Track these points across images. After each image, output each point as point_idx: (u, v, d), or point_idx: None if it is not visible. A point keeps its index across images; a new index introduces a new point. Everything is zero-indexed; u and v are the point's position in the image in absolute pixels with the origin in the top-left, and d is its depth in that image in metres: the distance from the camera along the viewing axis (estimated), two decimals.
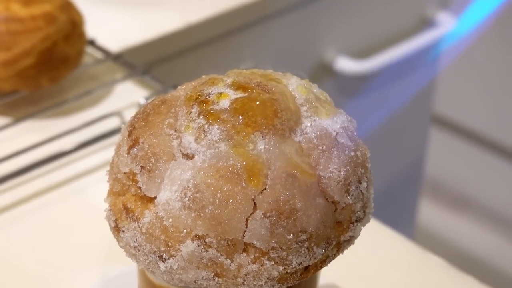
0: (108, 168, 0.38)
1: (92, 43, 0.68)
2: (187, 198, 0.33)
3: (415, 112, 1.14)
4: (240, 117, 0.34)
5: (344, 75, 0.95)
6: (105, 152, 0.58)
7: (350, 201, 0.34)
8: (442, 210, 1.38)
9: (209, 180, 0.32)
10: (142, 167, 0.34)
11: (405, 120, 1.13)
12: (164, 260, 0.33)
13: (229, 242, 0.32)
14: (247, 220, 0.32)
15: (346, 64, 0.95)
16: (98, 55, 0.69)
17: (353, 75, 0.96)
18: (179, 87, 0.39)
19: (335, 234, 0.34)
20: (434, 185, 1.41)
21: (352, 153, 0.35)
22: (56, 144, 0.58)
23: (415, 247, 0.52)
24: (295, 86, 0.37)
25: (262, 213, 0.32)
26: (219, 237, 0.32)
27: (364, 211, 0.36)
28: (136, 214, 0.34)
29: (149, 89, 0.66)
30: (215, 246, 0.32)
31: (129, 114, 0.61)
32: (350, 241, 0.36)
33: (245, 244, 0.33)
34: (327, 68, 0.95)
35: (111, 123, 0.60)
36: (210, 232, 0.32)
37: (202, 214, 0.32)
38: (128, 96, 0.64)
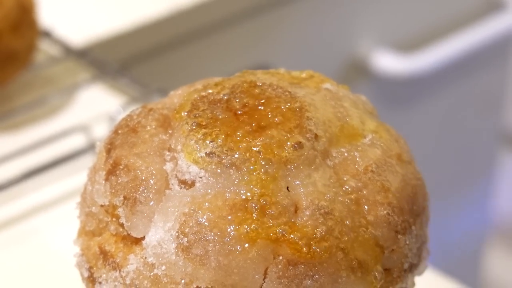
0: (77, 199, 0.38)
1: (48, 35, 0.69)
2: (186, 239, 0.33)
3: (479, 127, 1.14)
4: (257, 135, 0.35)
5: (383, 76, 0.96)
6: (67, 180, 0.58)
7: (402, 243, 0.35)
8: None
9: (214, 217, 0.33)
10: (125, 197, 0.35)
11: (466, 139, 1.13)
12: None
13: None
14: (266, 269, 0.33)
15: (386, 61, 0.95)
16: (56, 51, 0.70)
17: (395, 76, 0.96)
18: (171, 92, 0.39)
19: (383, 285, 0.35)
20: (506, 225, 1.40)
21: (403, 184, 0.36)
22: (0, 170, 0.58)
23: None
24: (330, 91, 0.38)
25: (286, 260, 0.33)
26: None
27: (419, 256, 0.37)
28: (118, 260, 0.35)
29: (125, 95, 0.66)
30: None
31: (98, 130, 0.62)
32: None
33: None
34: (360, 67, 0.96)
35: (74, 142, 0.61)
36: (216, 284, 0.33)
37: (205, 261, 0.33)
38: (96, 105, 0.65)
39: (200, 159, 0.34)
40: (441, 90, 1.05)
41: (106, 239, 0.35)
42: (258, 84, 0.37)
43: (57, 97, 0.65)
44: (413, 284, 0.37)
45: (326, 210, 0.34)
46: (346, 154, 0.36)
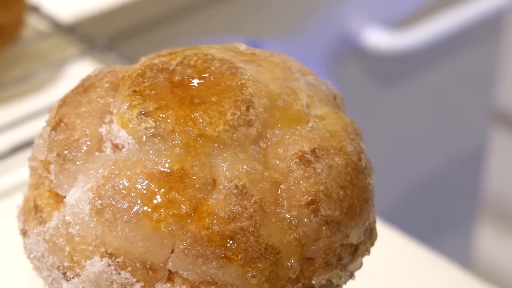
0: None
1: (36, 10, 0.69)
2: (100, 202, 0.33)
3: (471, 105, 1.15)
4: (189, 111, 0.34)
5: (374, 53, 0.96)
6: None
7: (325, 234, 0.34)
8: (507, 234, 1.38)
9: (129, 184, 0.33)
10: (57, 154, 0.35)
11: (458, 116, 1.13)
12: (68, 279, 0.34)
13: (148, 267, 0.33)
14: (174, 244, 0.33)
15: (377, 38, 0.95)
16: (44, 26, 0.69)
17: (386, 52, 0.96)
18: (142, 57, 0.39)
19: (303, 275, 0.34)
20: (496, 202, 1.41)
21: (337, 174, 0.35)
22: None
23: (473, 279, 0.52)
24: (287, 73, 0.37)
25: (193, 236, 0.32)
26: (134, 259, 0.33)
27: (353, 249, 0.36)
28: (44, 215, 0.35)
29: None
30: (129, 269, 0.33)
31: None
32: (329, 286, 0.35)
33: (170, 272, 0.33)
34: (350, 44, 0.96)
35: None
36: (122, 252, 0.33)
37: (113, 228, 0.33)
38: None
39: (129, 125, 0.34)
40: (432, 67, 1.05)
41: (41, 194, 0.36)
42: (208, 57, 0.37)
43: (45, 72, 0.65)
44: (347, 278, 0.36)
45: (242, 190, 0.33)
46: (279, 138, 0.35)
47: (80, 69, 0.66)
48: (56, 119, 0.36)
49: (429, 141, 1.09)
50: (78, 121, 0.36)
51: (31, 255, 0.36)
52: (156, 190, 0.33)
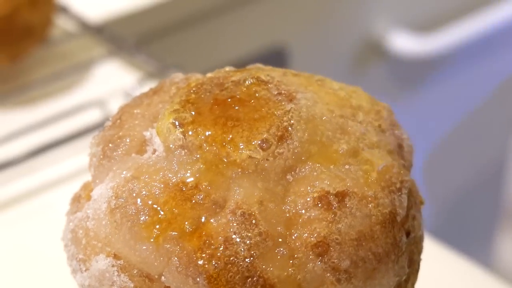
0: None
1: (64, 10, 0.69)
2: (114, 202, 0.33)
3: (494, 110, 1.14)
4: (220, 132, 0.33)
5: (399, 57, 0.96)
6: (83, 154, 0.58)
7: (332, 279, 0.31)
8: None
9: (143, 190, 0.33)
10: (102, 149, 0.35)
11: (480, 121, 1.13)
12: (82, 271, 0.34)
13: (144, 275, 0.32)
14: (169, 259, 0.32)
15: (402, 42, 0.95)
16: (72, 26, 0.70)
17: (411, 56, 0.96)
18: (226, 67, 0.38)
19: None
20: None
21: (356, 224, 0.32)
22: (17, 144, 0.58)
23: (496, 280, 0.52)
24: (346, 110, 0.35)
25: (188, 255, 0.31)
26: (132, 265, 0.33)
27: None
28: (79, 205, 0.35)
29: (141, 71, 0.66)
30: (128, 274, 0.33)
31: (114, 105, 0.61)
32: None
33: (166, 286, 0.32)
34: (376, 48, 0.96)
35: (91, 117, 0.61)
36: (122, 255, 0.33)
37: (118, 231, 0.33)
38: (112, 81, 0.65)
39: (161, 132, 0.34)
40: (456, 71, 1.04)
41: (87, 185, 0.36)
42: (263, 81, 0.35)
43: (74, 72, 0.65)
44: None
45: (248, 219, 0.31)
46: (307, 173, 0.33)
47: (108, 70, 0.66)
48: (118, 115, 0.37)
49: (452, 145, 1.09)
50: (129, 120, 0.36)
51: (63, 240, 0.36)
52: (165, 202, 0.32)
